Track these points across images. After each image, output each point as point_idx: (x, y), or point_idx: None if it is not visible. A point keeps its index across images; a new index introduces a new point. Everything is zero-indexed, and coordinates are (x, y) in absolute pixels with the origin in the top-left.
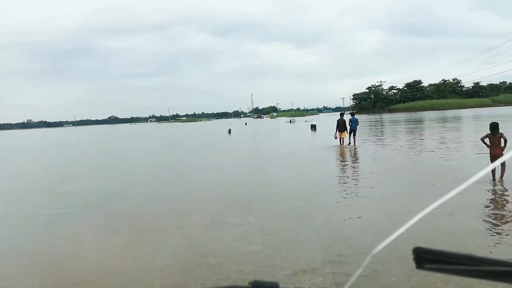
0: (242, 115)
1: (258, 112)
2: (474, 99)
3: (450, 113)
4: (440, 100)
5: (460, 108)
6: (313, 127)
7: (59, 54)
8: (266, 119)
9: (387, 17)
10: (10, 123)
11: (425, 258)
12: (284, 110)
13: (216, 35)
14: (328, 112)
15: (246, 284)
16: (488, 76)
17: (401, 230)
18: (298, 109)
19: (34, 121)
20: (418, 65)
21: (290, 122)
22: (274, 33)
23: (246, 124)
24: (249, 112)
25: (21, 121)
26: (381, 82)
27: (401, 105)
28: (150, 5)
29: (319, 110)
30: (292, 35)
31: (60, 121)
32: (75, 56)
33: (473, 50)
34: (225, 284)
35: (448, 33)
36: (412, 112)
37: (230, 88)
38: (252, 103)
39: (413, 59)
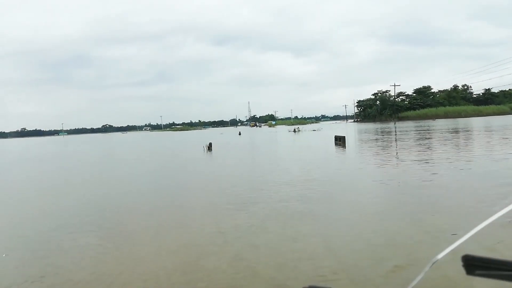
0: (239, 124)
1: (255, 121)
2: (491, 106)
3: (481, 120)
4: (455, 107)
5: (478, 115)
6: (340, 140)
7: (56, 63)
8: (264, 128)
9: (385, 27)
10: (5, 132)
11: (475, 265)
12: (282, 119)
13: (214, 44)
14: (326, 120)
15: None
16: (497, 86)
17: (463, 238)
18: (296, 118)
19: (29, 129)
20: (416, 74)
21: (295, 131)
22: (272, 42)
23: (240, 134)
24: (246, 120)
25: (15, 130)
26: (394, 84)
27: (411, 113)
28: (149, 15)
29: (317, 119)
30: (290, 44)
31: (55, 130)
32: (72, 65)
33: (470, 59)
34: None
35: (446, 42)
36: (431, 120)
37: (228, 96)
38: (249, 111)
39: (412, 68)
